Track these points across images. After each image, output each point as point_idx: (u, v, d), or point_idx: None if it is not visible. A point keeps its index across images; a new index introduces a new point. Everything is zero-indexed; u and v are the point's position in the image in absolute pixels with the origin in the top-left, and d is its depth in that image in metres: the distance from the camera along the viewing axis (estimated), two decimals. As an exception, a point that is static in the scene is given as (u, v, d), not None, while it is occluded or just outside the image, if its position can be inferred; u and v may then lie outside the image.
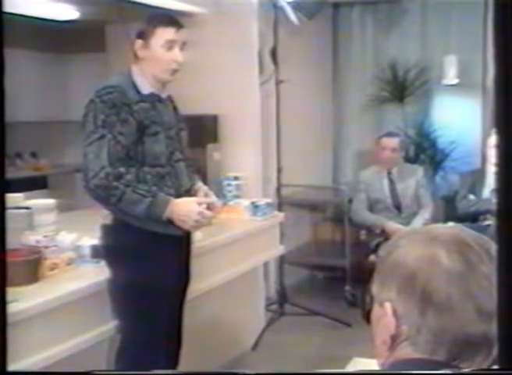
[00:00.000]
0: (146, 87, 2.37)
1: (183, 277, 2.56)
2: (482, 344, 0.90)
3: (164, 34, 2.35)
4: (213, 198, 2.56)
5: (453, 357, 0.90)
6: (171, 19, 2.40)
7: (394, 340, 0.93)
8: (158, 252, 2.35)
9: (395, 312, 0.93)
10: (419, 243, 0.95)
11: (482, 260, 0.91)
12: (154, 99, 2.39)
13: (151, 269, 2.33)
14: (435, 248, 0.92)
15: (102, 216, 2.38)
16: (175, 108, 2.56)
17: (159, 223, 2.30)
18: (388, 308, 0.93)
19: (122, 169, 2.24)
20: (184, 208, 2.33)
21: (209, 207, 2.43)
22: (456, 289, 0.89)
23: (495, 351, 0.90)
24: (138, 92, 2.34)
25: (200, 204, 2.38)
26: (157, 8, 3.38)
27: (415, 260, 0.93)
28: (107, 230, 2.39)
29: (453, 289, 0.89)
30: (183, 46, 2.40)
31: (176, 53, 2.38)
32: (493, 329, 0.89)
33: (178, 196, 2.37)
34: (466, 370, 0.90)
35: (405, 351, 0.93)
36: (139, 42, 2.36)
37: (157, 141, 2.34)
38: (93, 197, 2.27)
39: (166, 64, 2.37)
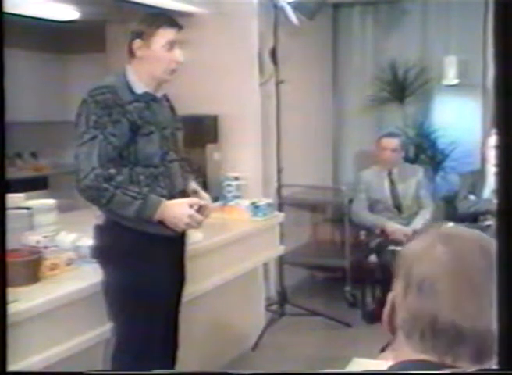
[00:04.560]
0: (140, 87, 2.36)
1: (178, 278, 2.54)
2: (452, 336, 0.92)
3: (166, 35, 2.35)
4: (205, 200, 2.53)
5: (426, 343, 0.93)
6: (172, 20, 2.40)
7: (392, 328, 0.99)
8: (151, 253, 2.33)
9: (394, 301, 0.99)
10: (425, 238, 1.00)
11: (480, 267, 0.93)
12: (148, 99, 2.38)
13: (143, 270, 2.32)
14: (438, 243, 0.96)
15: (95, 217, 2.38)
16: (171, 108, 2.55)
17: (151, 223, 2.29)
18: (389, 297, 1.00)
19: (112, 171, 2.23)
20: (175, 211, 2.31)
21: (200, 208, 2.42)
22: (443, 278, 0.93)
23: (475, 352, 0.92)
24: (132, 92, 2.33)
25: (191, 206, 2.37)
26: (157, 8, 3.38)
27: (415, 251, 0.99)
28: (99, 231, 2.38)
29: (439, 277, 0.93)
30: (181, 45, 2.41)
31: (177, 53, 2.38)
32: (469, 325, 0.91)
33: (171, 197, 2.35)
34: (467, 370, 0.91)
35: (404, 351, 0.96)
36: (138, 42, 2.35)
37: (150, 141, 2.33)
38: (84, 198, 2.26)
39: (166, 64, 2.37)
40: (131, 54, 2.39)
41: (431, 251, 0.96)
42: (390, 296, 1.00)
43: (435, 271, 0.94)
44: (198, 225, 2.41)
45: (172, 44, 2.36)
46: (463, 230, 1.04)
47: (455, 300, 0.91)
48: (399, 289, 0.98)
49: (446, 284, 0.92)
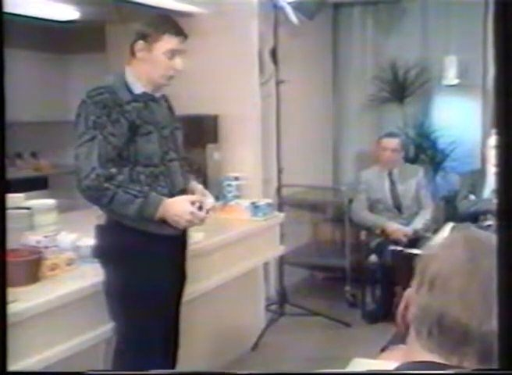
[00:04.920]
0: (138, 87, 2.36)
1: (179, 278, 2.54)
2: (458, 335, 0.92)
3: (169, 43, 2.35)
4: (207, 197, 2.52)
5: (433, 340, 0.94)
6: (179, 28, 2.40)
7: (405, 325, 1.01)
8: (153, 253, 2.33)
9: (408, 297, 1.02)
10: (447, 239, 1.05)
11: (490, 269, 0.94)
12: (146, 99, 2.38)
13: (145, 270, 2.32)
14: (458, 244, 0.99)
15: (96, 217, 2.38)
16: (170, 108, 2.55)
17: (153, 222, 2.29)
18: (406, 293, 1.02)
19: (113, 170, 2.24)
20: (176, 208, 2.31)
21: (202, 205, 2.41)
22: (456, 277, 0.94)
23: (482, 353, 0.92)
24: (130, 92, 2.34)
25: (193, 203, 2.37)
26: (157, 8, 3.38)
27: (434, 250, 1.02)
28: (101, 231, 2.38)
29: (452, 275, 0.94)
30: (183, 54, 2.41)
31: (176, 61, 2.38)
32: (476, 325, 0.91)
33: (172, 196, 2.35)
34: (466, 370, 0.91)
35: (413, 347, 0.97)
36: (141, 44, 2.35)
37: (149, 141, 2.33)
38: (85, 198, 2.26)
39: (164, 70, 2.38)
40: (132, 54, 2.39)
41: (449, 251, 0.98)
42: (406, 292, 1.02)
43: (449, 269, 0.95)
44: (200, 222, 2.40)
45: (173, 53, 2.37)
46: (485, 234, 1.05)
47: (465, 299, 0.92)
48: (414, 285, 0.99)
49: (457, 283, 0.93)
